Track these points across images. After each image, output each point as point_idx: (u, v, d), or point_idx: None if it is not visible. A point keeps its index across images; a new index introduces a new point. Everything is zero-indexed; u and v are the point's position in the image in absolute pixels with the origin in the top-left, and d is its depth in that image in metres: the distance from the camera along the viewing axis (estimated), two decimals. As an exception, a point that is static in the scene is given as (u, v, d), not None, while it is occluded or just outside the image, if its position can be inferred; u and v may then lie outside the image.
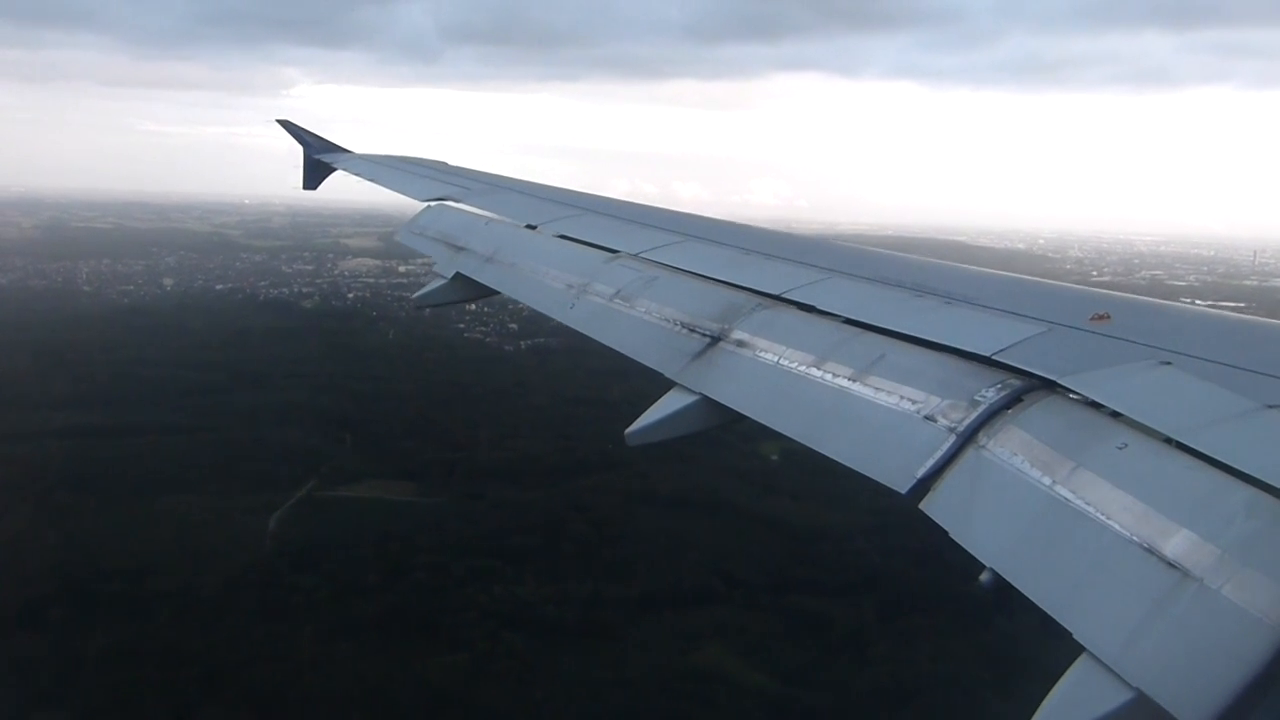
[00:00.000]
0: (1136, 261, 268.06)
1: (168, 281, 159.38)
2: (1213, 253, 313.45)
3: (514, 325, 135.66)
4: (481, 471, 65.23)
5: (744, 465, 69.49)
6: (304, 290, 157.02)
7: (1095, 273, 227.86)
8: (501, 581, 48.00)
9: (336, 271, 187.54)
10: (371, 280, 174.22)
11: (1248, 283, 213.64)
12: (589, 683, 40.39)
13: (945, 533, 3.68)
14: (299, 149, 15.97)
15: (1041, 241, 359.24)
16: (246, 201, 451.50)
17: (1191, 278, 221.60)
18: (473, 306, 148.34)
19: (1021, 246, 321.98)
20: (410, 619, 43.50)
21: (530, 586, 47.91)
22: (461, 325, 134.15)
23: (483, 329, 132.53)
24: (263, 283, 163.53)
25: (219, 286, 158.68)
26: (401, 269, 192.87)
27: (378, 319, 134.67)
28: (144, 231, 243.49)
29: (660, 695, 40.14)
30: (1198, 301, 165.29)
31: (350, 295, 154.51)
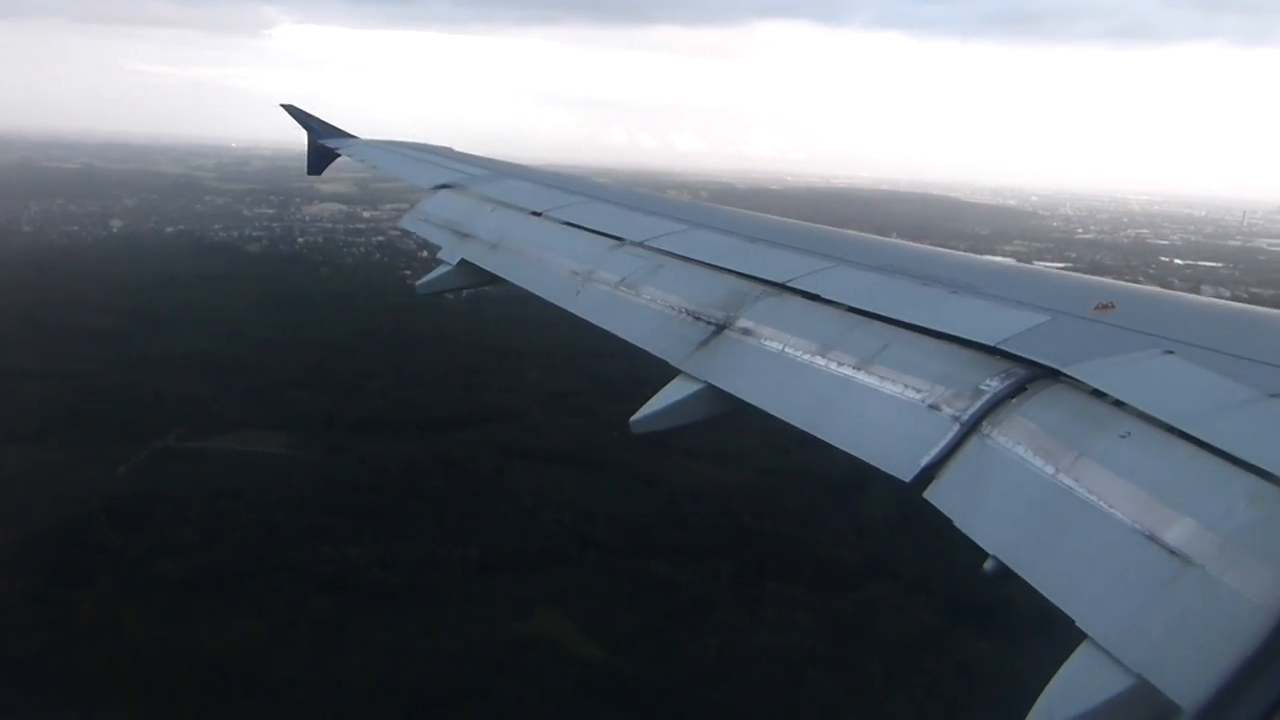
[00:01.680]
0: (1125, 220, 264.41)
1: (115, 223, 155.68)
2: (1204, 213, 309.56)
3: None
4: (361, 423, 62.23)
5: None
6: (254, 234, 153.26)
7: (1081, 230, 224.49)
8: (333, 541, 45.12)
9: (298, 216, 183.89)
10: (329, 225, 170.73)
11: (1232, 243, 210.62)
12: (396, 652, 37.65)
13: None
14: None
15: (1034, 199, 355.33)
16: (233, 145, 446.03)
17: (1176, 237, 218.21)
18: (424, 253, 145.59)
19: (1013, 203, 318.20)
20: (218, 581, 40.72)
21: (363, 547, 45.04)
22: (408, 272, 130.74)
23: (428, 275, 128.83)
24: (215, 226, 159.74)
25: (168, 229, 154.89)
26: (366, 214, 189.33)
27: (320, 264, 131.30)
28: (112, 173, 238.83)
29: (470, 666, 37.44)
30: (1177, 260, 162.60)
31: (300, 240, 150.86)
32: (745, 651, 38.51)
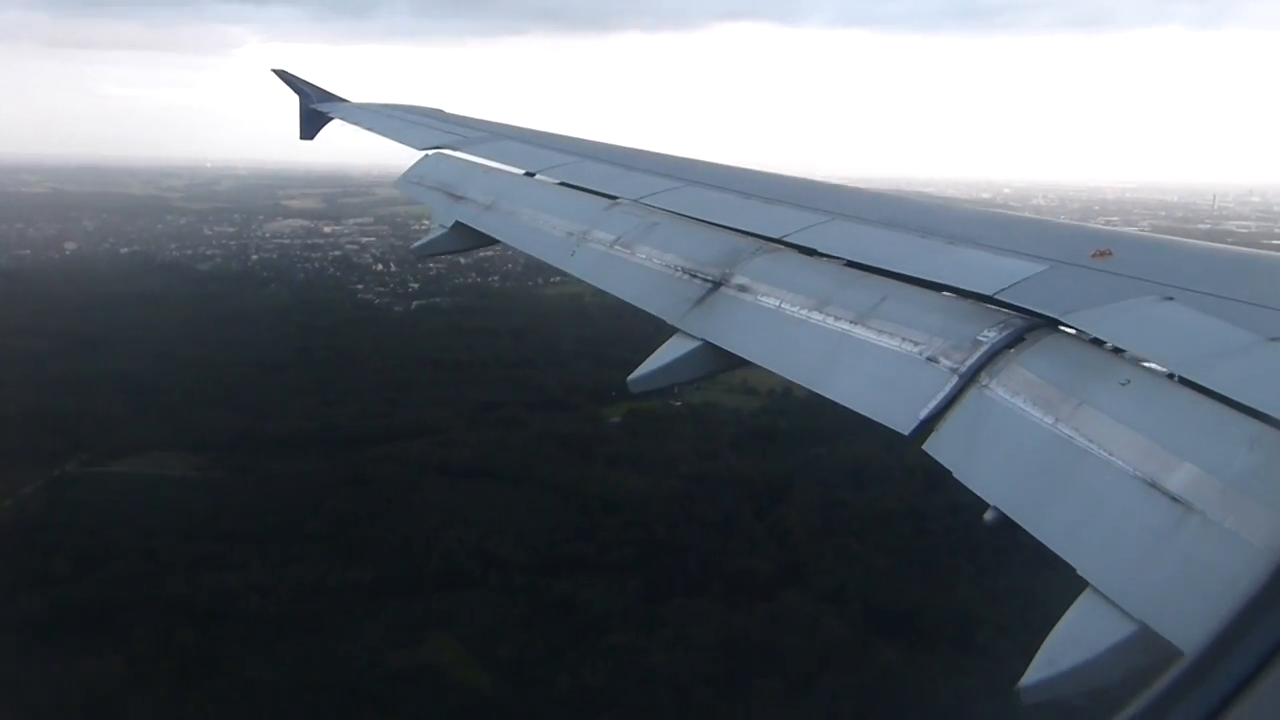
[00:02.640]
0: (1096, 208, 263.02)
1: (70, 246, 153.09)
2: (1176, 198, 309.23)
3: (415, 285, 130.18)
4: (276, 442, 60.10)
5: (573, 430, 64.46)
6: (209, 253, 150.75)
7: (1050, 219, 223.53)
8: (216, 568, 42.93)
9: (258, 234, 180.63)
10: (287, 242, 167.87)
11: (1200, 226, 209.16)
12: (260, 687, 35.51)
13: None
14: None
15: (1007, 191, 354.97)
16: (208, 165, 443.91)
17: (1145, 223, 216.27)
18: (379, 266, 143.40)
19: (987, 195, 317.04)
20: (83, 615, 38.47)
21: (247, 573, 42.87)
22: (360, 286, 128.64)
23: (380, 289, 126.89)
24: (171, 245, 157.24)
25: (123, 250, 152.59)
26: (328, 230, 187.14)
27: (269, 280, 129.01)
28: (78, 195, 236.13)
29: (342, 700, 35.29)
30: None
31: (254, 257, 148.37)
32: (636, 674, 36.38)
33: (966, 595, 42.77)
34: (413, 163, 10.12)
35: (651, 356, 5.11)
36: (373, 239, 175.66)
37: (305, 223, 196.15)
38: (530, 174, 8.35)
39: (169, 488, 52.87)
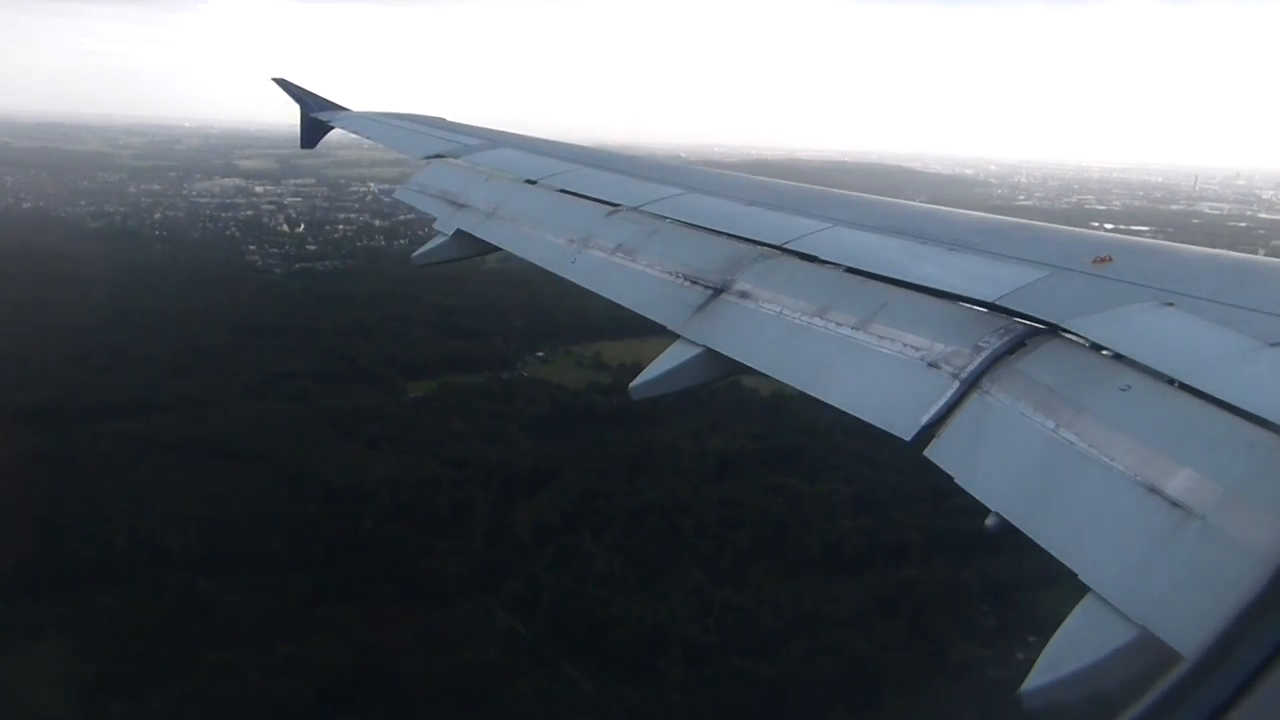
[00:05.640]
0: (1075, 187, 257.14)
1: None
2: (1161, 179, 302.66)
3: (313, 247, 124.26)
4: (11, 412, 54.12)
5: (357, 405, 58.49)
6: (112, 210, 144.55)
7: (1023, 197, 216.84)
8: None
9: (185, 192, 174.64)
10: (205, 201, 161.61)
11: (1174, 207, 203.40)
12: None
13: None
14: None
15: (992, 168, 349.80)
16: (186, 124, 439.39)
17: (1118, 203, 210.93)
18: (286, 228, 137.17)
19: (970, 173, 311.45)
20: None
21: None
22: (252, 247, 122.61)
23: (273, 251, 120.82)
24: (81, 202, 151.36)
25: (25, 205, 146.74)
26: (259, 189, 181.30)
27: (155, 240, 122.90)
28: (15, 150, 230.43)
29: None
30: (1107, 225, 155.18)
31: (157, 216, 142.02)
32: (228, 692, 30.62)
33: (678, 608, 36.82)
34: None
35: (653, 363, 5.03)
36: (299, 199, 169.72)
37: (240, 182, 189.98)
38: (531, 181, 8.24)
39: None
